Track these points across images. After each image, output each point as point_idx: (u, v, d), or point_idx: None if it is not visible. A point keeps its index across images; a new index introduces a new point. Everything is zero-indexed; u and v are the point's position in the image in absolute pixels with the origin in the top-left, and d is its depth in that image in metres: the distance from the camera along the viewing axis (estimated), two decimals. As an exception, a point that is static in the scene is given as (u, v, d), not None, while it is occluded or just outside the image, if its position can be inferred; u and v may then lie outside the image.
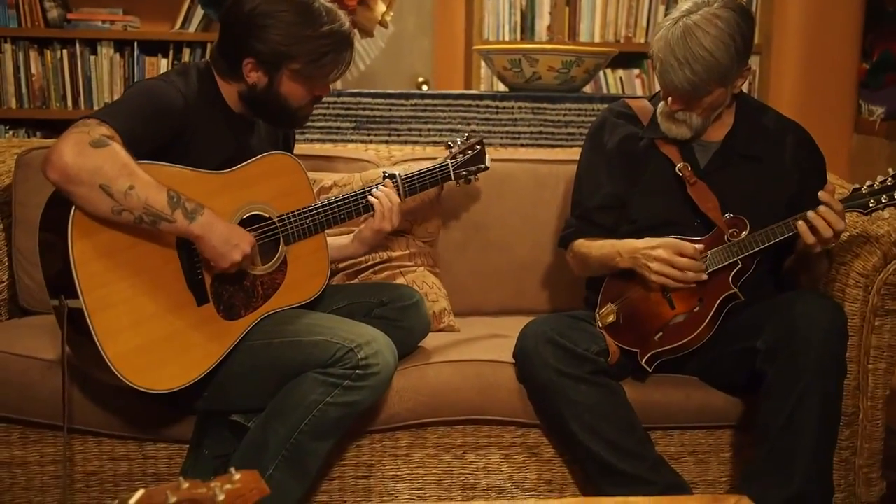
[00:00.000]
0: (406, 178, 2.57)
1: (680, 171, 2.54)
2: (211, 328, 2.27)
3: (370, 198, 2.49)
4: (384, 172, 2.59)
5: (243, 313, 2.33)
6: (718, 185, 2.52)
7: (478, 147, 2.71)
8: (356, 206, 2.49)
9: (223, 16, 2.35)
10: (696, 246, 2.44)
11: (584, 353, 2.39)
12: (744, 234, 2.44)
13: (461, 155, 2.69)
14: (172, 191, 2.11)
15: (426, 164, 2.82)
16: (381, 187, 2.51)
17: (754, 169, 2.56)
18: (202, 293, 2.26)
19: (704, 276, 2.43)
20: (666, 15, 2.50)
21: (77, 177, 2.02)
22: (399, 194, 2.55)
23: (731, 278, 2.43)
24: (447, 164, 2.66)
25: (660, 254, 2.43)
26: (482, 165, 2.71)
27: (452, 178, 2.68)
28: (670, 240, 2.46)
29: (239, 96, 2.36)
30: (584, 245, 2.65)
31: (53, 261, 2.13)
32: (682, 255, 2.43)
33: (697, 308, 2.44)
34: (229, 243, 2.19)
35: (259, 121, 2.47)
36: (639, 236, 2.52)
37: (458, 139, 2.72)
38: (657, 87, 4.89)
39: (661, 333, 2.45)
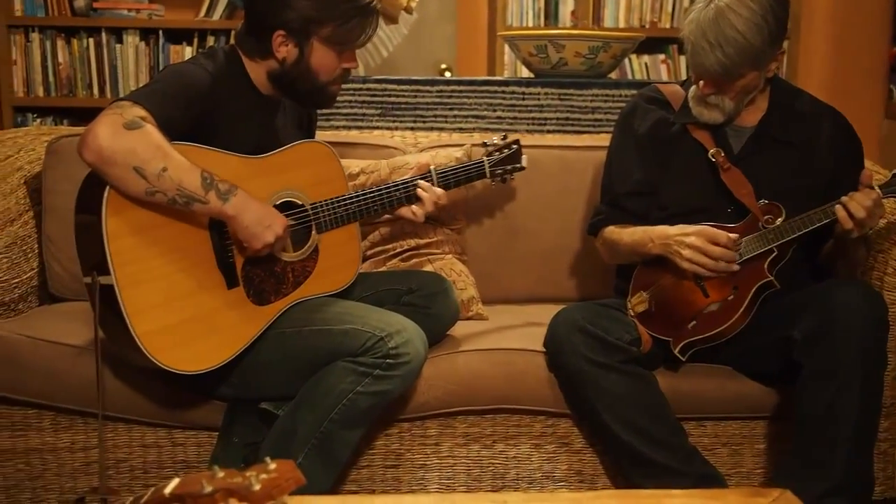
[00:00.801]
0: (440, 174, 2.55)
1: (713, 156, 2.51)
2: (240, 312, 2.27)
3: (419, 191, 2.48)
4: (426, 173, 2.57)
5: (273, 299, 2.33)
6: (752, 170, 2.49)
7: (514, 146, 2.69)
8: (389, 199, 2.48)
9: (250, 2, 2.35)
10: (731, 235, 2.40)
11: (616, 342, 2.37)
12: (779, 220, 2.41)
13: (497, 153, 2.67)
14: (206, 172, 2.12)
15: (455, 153, 2.81)
16: (422, 183, 2.49)
17: (789, 154, 2.53)
18: (233, 276, 2.26)
19: (736, 267, 2.40)
20: (692, 0, 2.47)
21: (111, 158, 2.04)
22: (434, 185, 2.53)
23: (766, 266, 2.40)
24: (483, 162, 2.64)
25: (692, 241, 2.40)
26: (518, 165, 2.70)
27: (488, 175, 2.66)
28: (704, 227, 2.43)
29: (268, 76, 2.36)
30: (614, 232, 2.63)
31: (88, 238, 2.15)
32: (715, 243, 2.40)
33: (732, 296, 2.41)
34: (262, 224, 2.20)
35: (285, 102, 2.47)
36: (670, 223, 2.49)
37: (495, 138, 2.69)
38: (683, 73, 4.94)
39: (694, 322, 2.43)
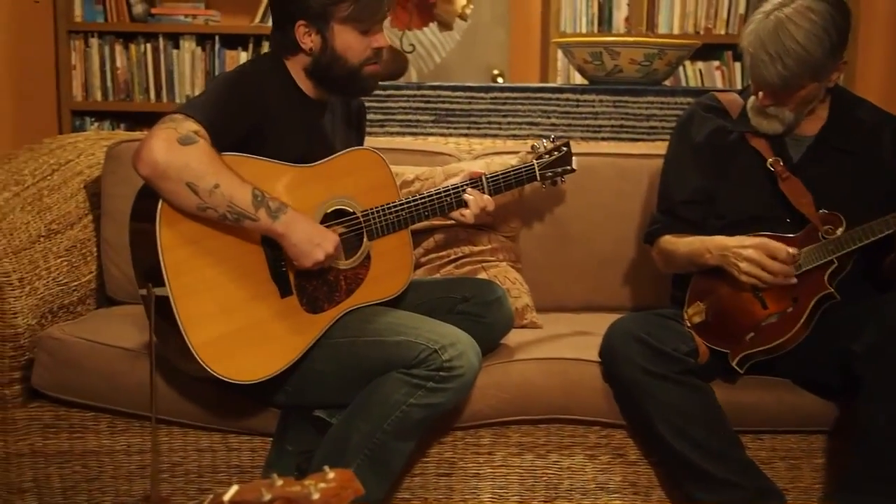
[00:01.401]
0: (491, 178, 2.54)
1: (771, 165, 2.48)
2: (294, 320, 2.28)
3: (465, 196, 2.47)
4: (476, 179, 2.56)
5: (326, 307, 2.33)
6: (812, 180, 2.45)
7: (564, 149, 2.66)
8: (440, 204, 2.47)
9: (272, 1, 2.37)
10: (790, 250, 2.37)
11: (672, 353, 2.35)
12: (839, 231, 2.37)
13: (547, 156, 2.64)
14: (257, 189, 2.14)
15: (509, 160, 2.80)
16: (469, 189, 2.48)
17: (850, 163, 2.49)
18: (286, 285, 2.27)
19: (794, 280, 2.37)
20: (747, 6, 2.44)
21: (165, 173, 2.07)
22: (484, 193, 2.51)
23: (826, 277, 2.37)
24: (533, 165, 2.62)
25: (750, 254, 2.37)
26: (568, 167, 2.67)
27: (538, 178, 2.64)
28: (763, 240, 2.40)
29: (305, 73, 2.37)
30: (670, 241, 2.60)
31: (142, 249, 2.17)
32: (774, 257, 2.36)
33: (791, 308, 2.38)
34: (312, 242, 2.20)
35: (332, 102, 2.48)
36: (727, 232, 2.47)
37: (544, 140, 2.68)
38: (738, 80, 4.88)
39: (752, 334, 2.40)
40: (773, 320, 2.39)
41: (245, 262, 2.23)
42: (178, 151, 2.07)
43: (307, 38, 2.32)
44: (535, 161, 2.62)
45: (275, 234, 2.19)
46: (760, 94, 2.44)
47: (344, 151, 2.42)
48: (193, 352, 2.13)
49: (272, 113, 2.29)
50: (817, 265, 2.38)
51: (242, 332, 2.20)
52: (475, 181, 2.51)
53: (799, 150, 2.52)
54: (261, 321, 2.23)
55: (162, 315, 2.14)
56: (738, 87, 4.86)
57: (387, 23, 3.38)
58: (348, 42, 2.32)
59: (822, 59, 2.35)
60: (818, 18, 2.33)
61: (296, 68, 2.37)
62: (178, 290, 2.12)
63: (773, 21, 2.33)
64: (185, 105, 2.21)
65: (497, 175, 2.55)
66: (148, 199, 2.15)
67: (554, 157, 2.64)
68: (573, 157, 2.67)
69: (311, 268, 2.23)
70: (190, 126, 2.11)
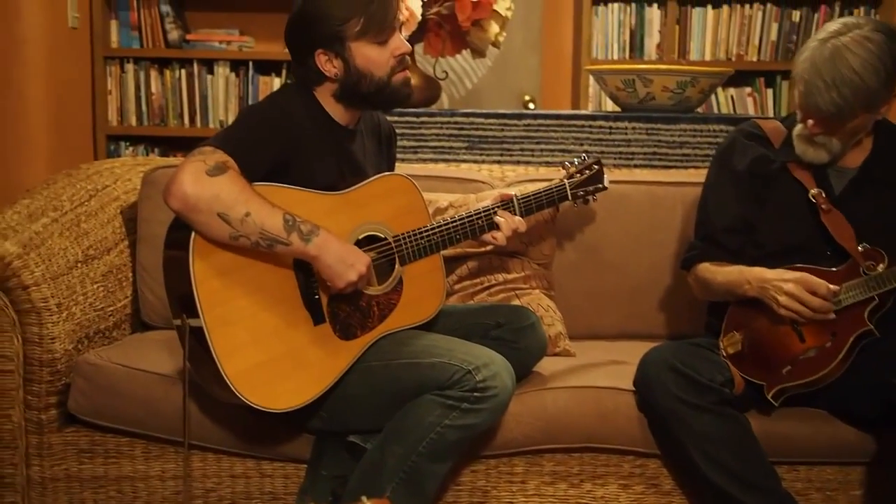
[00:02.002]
0: (522, 199, 2.54)
1: (814, 197, 2.46)
2: (327, 348, 2.29)
3: (496, 218, 2.47)
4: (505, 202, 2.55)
5: (359, 333, 2.34)
6: (854, 213, 2.43)
7: (595, 167, 2.65)
8: (471, 228, 2.47)
9: (286, 35, 2.39)
10: (831, 286, 2.34)
11: (708, 383, 2.33)
12: (881, 267, 2.34)
13: (578, 175, 2.64)
14: (288, 214, 2.15)
15: (542, 186, 2.80)
16: (500, 211, 2.49)
17: (893, 197, 2.47)
18: (319, 312, 2.28)
19: (833, 316, 2.35)
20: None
21: (196, 206, 2.10)
22: (516, 214, 2.51)
23: (866, 314, 2.34)
24: (564, 185, 2.62)
25: (790, 289, 2.35)
26: (600, 186, 2.66)
27: (570, 198, 2.63)
28: (804, 275, 2.37)
29: (336, 99, 2.38)
30: (708, 270, 2.57)
31: (176, 280, 2.19)
32: (814, 293, 2.34)
33: (830, 343, 2.36)
34: (345, 262, 2.21)
35: (361, 128, 2.48)
36: (766, 262, 2.45)
37: (575, 159, 2.67)
38: (770, 106, 4.86)
39: (789, 367, 2.38)
40: (810, 354, 2.37)
41: (278, 290, 2.24)
42: (208, 183, 2.10)
43: (329, 65, 2.33)
44: (566, 181, 2.62)
45: (308, 257, 2.20)
46: (810, 122, 2.40)
47: (375, 177, 2.43)
48: (228, 382, 2.14)
49: (302, 142, 2.30)
50: (857, 301, 2.35)
51: (277, 361, 2.22)
52: (506, 203, 2.51)
53: (842, 182, 2.50)
54: (295, 349, 2.24)
55: (196, 344, 2.15)
56: (770, 113, 4.88)
57: (419, 48, 3.41)
58: (369, 57, 2.33)
59: (877, 90, 2.32)
60: (875, 48, 2.30)
61: (324, 95, 2.39)
62: (212, 322, 2.14)
63: (830, 48, 2.30)
64: (214, 137, 2.23)
65: (528, 196, 2.55)
66: (180, 230, 2.17)
67: (585, 175, 2.64)
68: (605, 176, 2.67)
69: (344, 289, 2.24)
70: (219, 157, 2.14)
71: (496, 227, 2.48)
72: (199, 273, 2.14)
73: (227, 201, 2.10)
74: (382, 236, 2.39)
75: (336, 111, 2.40)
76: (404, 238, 2.40)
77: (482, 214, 2.48)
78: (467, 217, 2.47)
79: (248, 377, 2.17)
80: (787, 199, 2.51)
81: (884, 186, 2.48)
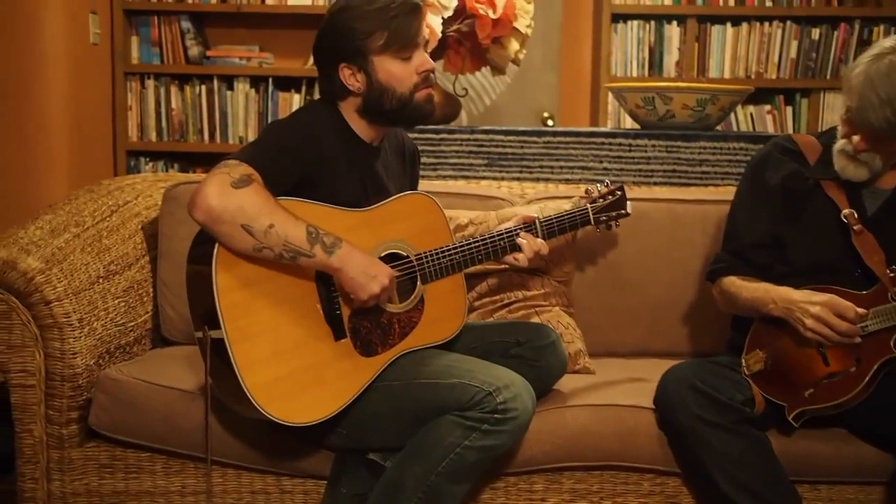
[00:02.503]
0: (545, 222, 2.53)
1: (845, 217, 2.43)
2: (348, 363, 2.29)
3: (518, 240, 2.47)
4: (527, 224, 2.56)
5: (380, 350, 2.34)
6: (886, 236, 2.40)
7: (618, 193, 2.64)
8: (493, 248, 2.47)
9: (313, 49, 2.41)
10: (859, 310, 2.31)
11: (728, 402, 2.32)
12: None
13: (601, 200, 2.62)
14: (311, 226, 2.16)
15: (563, 205, 2.80)
16: (523, 233, 2.48)
17: None
18: (340, 328, 2.29)
19: (858, 340, 2.32)
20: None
21: (220, 217, 2.11)
22: (538, 237, 2.51)
23: (893, 342, 2.31)
24: (587, 209, 2.60)
25: (818, 312, 2.32)
26: (623, 211, 2.64)
27: (592, 223, 2.62)
28: (832, 298, 2.34)
29: (359, 115, 2.40)
30: (734, 284, 2.54)
31: (198, 293, 2.20)
32: (841, 317, 2.31)
33: (854, 368, 2.33)
34: (368, 275, 2.22)
35: (385, 146, 2.50)
36: (793, 279, 2.43)
37: (598, 184, 2.66)
38: (789, 124, 4.85)
39: (812, 390, 2.35)
40: (834, 378, 2.35)
41: (300, 305, 2.25)
42: (232, 195, 2.11)
43: (352, 79, 2.35)
44: (588, 205, 2.61)
45: (331, 270, 2.21)
46: (856, 138, 2.37)
47: (398, 196, 2.44)
48: (248, 394, 2.15)
49: (326, 158, 2.31)
50: (884, 328, 2.32)
51: (297, 375, 2.22)
52: (529, 225, 2.51)
53: (875, 203, 2.47)
54: (315, 364, 2.25)
55: (218, 357, 2.16)
56: (789, 130, 4.87)
57: (439, 66, 3.42)
58: (391, 72, 2.35)
59: None
60: None
61: (348, 111, 2.40)
62: (233, 334, 2.15)
63: (887, 64, 2.26)
64: (239, 151, 2.25)
65: (551, 219, 2.55)
66: (204, 244, 2.18)
67: (608, 201, 2.62)
68: (628, 202, 2.66)
69: (367, 302, 2.24)
70: (244, 170, 2.15)
71: (518, 248, 2.48)
72: (222, 285, 2.15)
73: (251, 213, 2.11)
74: (404, 254, 2.40)
75: (360, 127, 2.41)
76: (426, 257, 2.40)
77: (504, 236, 2.48)
78: (490, 238, 2.47)
79: (269, 390, 2.17)
80: (818, 217, 2.48)
81: None
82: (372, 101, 2.37)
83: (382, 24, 2.31)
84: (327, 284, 2.27)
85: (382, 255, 2.36)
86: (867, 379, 2.31)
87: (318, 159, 2.30)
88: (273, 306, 2.21)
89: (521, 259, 2.48)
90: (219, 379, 2.22)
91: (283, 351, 2.21)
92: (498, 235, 2.48)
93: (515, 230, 2.49)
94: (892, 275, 2.34)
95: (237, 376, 2.14)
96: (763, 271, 2.52)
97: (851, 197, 2.46)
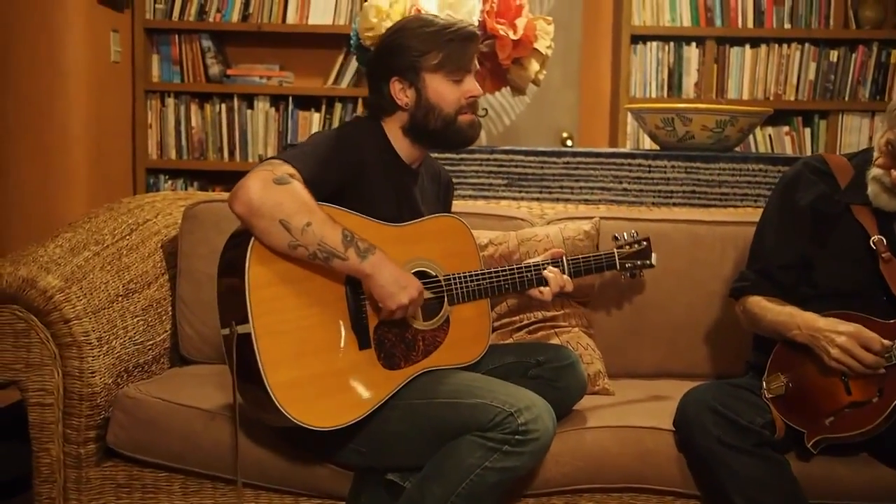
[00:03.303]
0: (572, 261, 2.56)
1: (874, 243, 2.41)
2: (370, 374, 2.29)
3: (546, 273, 2.49)
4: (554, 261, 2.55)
5: (403, 365, 2.35)
6: None
7: (644, 243, 2.67)
8: (521, 279, 2.49)
9: (367, 61, 2.48)
10: (885, 342, 2.29)
11: (748, 425, 2.31)
12: None
13: (627, 247, 2.66)
14: (347, 230, 2.19)
15: (582, 225, 2.80)
16: (550, 267, 2.50)
17: None
18: (365, 337, 2.29)
19: (882, 371, 2.30)
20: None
21: (259, 210, 2.13)
22: (564, 273, 2.53)
23: None
24: (613, 254, 2.64)
25: (843, 342, 2.30)
26: (648, 262, 2.67)
27: (618, 267, 2.64)
28: (858, 328, 2.31)
29: (403, 132, 2.43)
30: (758, 305, 2.52)
31: (229, 285, 2.23)
32: (867, 347, 2.29)
33: (876, 399, 2.30)
34: (398, 284, 2.23)
35: (423, 174, 2.52)
36: (818, 302, 2.42)
37: (625, 233, 2.68)
38: (808, 146, 4.84)
39: (832, 418, 2.33)
40: (855, 408, 2.32)
41: (328, 310, 2.26)
42: (273, 190, 2.14)
43: (402, 94, 2.40)
44: (615, 251, 2.64)
45: (362, 275, 2.22)
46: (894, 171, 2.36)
47: (431, 216, 2.48)
48: (270, 392, 2.14)
49: (366, 171, 2.35)
50: None
51: (319, 379, 2.23)
52: (556, 261, 2.53)
53: None
54: (338, 370, 2.25)
55: (242, 355, 2.17)
56: (808, 152, 4.86)
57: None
58: (440, 91, 2.40)
59: None
60: None
61: (393, 128, 2.44)
62: (260, 329, 2.16)
63: None
64: (283, 152, 2.29)
65: (578, 259, 2.58)
66: (240, 239, 2.22)
67: (634, 249, 2.66)
68: (653, 254, 2.68)
69: (394, 311, 2.25)
70: (286, 169, 2.19)
71: (545, 282, 2.50)
72: (254, 279, 2.17)
73: (289, 209, 2.14)
74: (433, 274, 2.41)
75: (402, 147, 2.45)
76: (455, 279, 2.42)
77: (532, 268, 2.50)
78: (518, 269, 2.50)
79: (290, 390, 2.17)
80: (847, 241, 2.46)
81: None
82: (418, 119, 2.41)
83: (438, 45, 2.38)
84: (357, 292, 2.28)
85: (412, 271, 2.37)
86: (889, 411, 2.28)
87: (358, 172, 2.33)
88: (302, 307, 2.23)
89: (546, 293, 2.50)
90: (241, 380, 2.22)
91: (307, 353, 2.22)
92: (526, 267, 2.50)
93: (543, 263, 2.51)
94: None
95: (260, 373, 2.14)
96: (788, 292, 2.50)
97: (882, 223, 2.44)
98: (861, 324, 2.34)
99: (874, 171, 2.41)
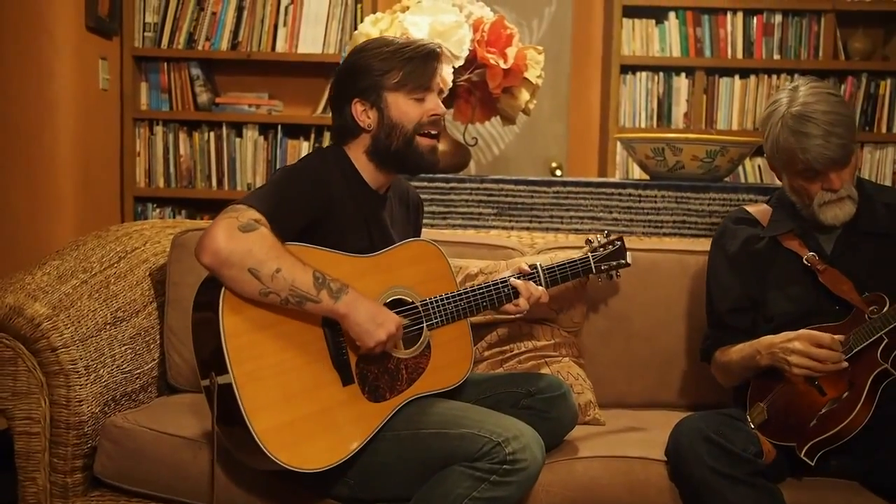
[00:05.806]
0: (547, 269, 2.57)
1: (808, 261, 2.52)
2: (356, 409, 2.28)
3: (513, 280, 2.49)
4: (529, 266, 2.57)
5: (388, 396, 2.33)
6: (849, 267, 2.49)
7: (618, 243, 2.71)
8: (497, 295, 2.49)
9: (330, 87, 2.45)
10: (835, 336, 2.39)
11: (742, 454, 2.30)
12: (885, 309, 2.37)
13: (601, 249, 2.69)
14: (318, 271, 2.17)
15: (572, 254, 2.80)
16: (513, 279, 2.51)
17: (882, 245, 2.53)
18: (347, 373, 2.28)
19: (844, 364, 2.37)
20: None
21: (228, 260, 2.11)
22: (540, 285, 2.54)
23: (878, 354, 2.36)
24: (588, 258, 2.66)
25: (796, 346, 2.39)
26: (623, 261, 2.71)
27: (594, 271, 2.67)
28: (806, 331, 2.42)
29: (368, 157, 2.41)
30: (724, 354, 2.61)
31: (205, 338, 2.20)
32: (818, 345, 2.38)
33: (848, 392, 2.37)
34: (374, 321, 2.21)
35: (391, 198, 2.51)
36: (779, 333, 2.47)
37: (599, 235, 2.72)
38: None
39: (815, 422, 2.38)
40: (833, 406, 2.38)
41: (307, 350, 2.24)
42: (240, 238, 2.11)
43: (364, 116, 2.38)
44: (590, 254, 2.65)
45: (337, 315, 2.20)
46: (832, 177, 2.45)
47: (402, 243, 2.46)
48: (257, 439, 2.12)
49: (335, 208, 2.32)
50: (868, 345, 2.37)
51: (305, 420, 2.20)
52: (531, 274, 2.54)
53: (830, 242, 2.57)
54: (323, 409, 2.23)
55: (225, 404, 2.15)
56: (797, 182, 4.87)
57: (449, 115, 3.43)
58: (403, 109, 2.38)
59: (852, 115, 2.46)
60: (824, 88, 2.46)
61: (357, 154, 2.42)
62: (241, 377, 2.14)
63: (799, 108, 2.42)
64: (247, 196, 2.26)
65: (553, 266, 2.59)
66: (211, 289, 2.19)
67: (608, 250, 2.69)
68: (628, 252, 2.71)
69: (373, 348, 2.23)
70: (252, 215, 2.16)
71: (517, 293, 2.50)
72: (229, 328, 2.14)
73: (258, 257, 2.11)
74: (410, 301, 2.39)
75: (368, 172, 2.42)
76: (432, 303, 2.41)
77: (507, 281, 2.50)
78: (493, 285, 2.49)
79: (277, 435, 2.15)
80: (784, 269, 2.57)
81: (871, 237, 2.54)
82: (381, 140, 2.39)
83: (398, 64, 2.37)
84: (334, 329, 2.26)
85: (388, 301, 2.36)
86: (864, 397, 2.35)
87: (325, 205, 2.30)
88: (281, 351, 2.20)
89: (522, 304, 2.49)
90: (227, 428, 2.20)
91: (291, 396, 2.20)
92: (502, 282, 2.50)
93: (510, 276, 2.51)
94: (864, 297, 2.43)
95: (245, 422, 2.12)
96: (747, 335, 2.58)
97: (809, 244, 2.57)
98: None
99: (817, 199, 2.50)
